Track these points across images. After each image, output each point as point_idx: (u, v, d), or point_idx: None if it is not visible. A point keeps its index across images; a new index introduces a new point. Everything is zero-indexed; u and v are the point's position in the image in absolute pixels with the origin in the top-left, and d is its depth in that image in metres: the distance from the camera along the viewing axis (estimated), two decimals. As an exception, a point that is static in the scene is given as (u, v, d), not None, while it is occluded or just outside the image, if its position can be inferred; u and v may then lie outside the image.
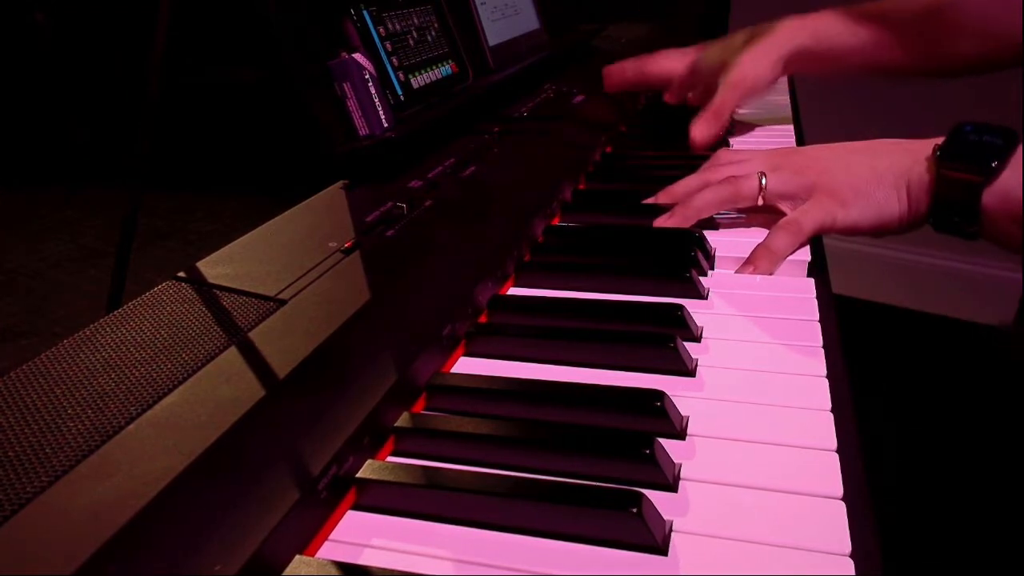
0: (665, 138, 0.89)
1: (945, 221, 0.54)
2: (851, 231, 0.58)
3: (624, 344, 0.45)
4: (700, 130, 0.80)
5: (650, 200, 0.65)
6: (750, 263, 0.56)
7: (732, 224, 0.63)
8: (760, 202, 0.60)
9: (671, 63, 0.91)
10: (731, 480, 0.35)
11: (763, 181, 0.59)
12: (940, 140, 0.55)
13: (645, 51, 0.95)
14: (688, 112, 0.84)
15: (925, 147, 0.56)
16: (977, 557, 0.63)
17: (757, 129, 0.94)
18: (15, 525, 0.27)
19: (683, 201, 0.62)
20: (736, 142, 0.89)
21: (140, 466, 0.30)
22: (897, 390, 0.82)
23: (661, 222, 0.62)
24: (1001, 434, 0.73)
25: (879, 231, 0.58)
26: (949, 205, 0.53)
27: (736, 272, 0.56)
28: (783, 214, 0.60)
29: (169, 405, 0.34)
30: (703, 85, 0.86)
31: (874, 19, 0.80)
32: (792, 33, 0.81)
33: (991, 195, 0.51)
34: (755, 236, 0.58)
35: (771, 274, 0.55)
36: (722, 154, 0.67)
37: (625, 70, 0.94)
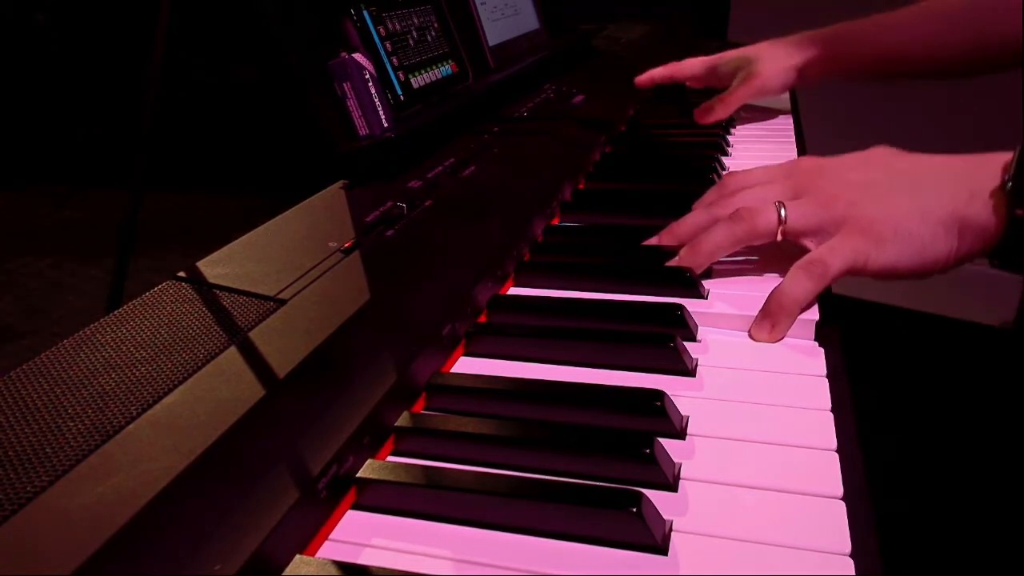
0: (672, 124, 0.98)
1: (1012, 261, 0.46)
2: (887, 274, 0.48)
3: (624, 344, 0.45)
4: (703, 114, 0.91)
5: (651, 241, 0.57)
6: (767, 318, 0.47)
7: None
8: (779, 238, 0.51)
9: (694, 68, 0.98)
10: (731, 480, 0.35)
11: (782, 213, 0.50)
12: (1001, 160, 0.46)
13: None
14: (694, 100, 0.93)
15: (984, 174, 0.46)
16: (977, 556, 0.63)
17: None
18: (15, 525, 0.27)
19: (690, 244, 0.54)
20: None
21: (140, 466, 0.30)
22: (897, 390, 0.82)
23: (672, 264, 0.54)
24: (1001, 433, 0.73)
25: (920, 273, 0.48)
26: (1021, 247, 0.45)
27: (751, 335, 0.47)
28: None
29: (169, 405, 0.34)
30: (721, 85, 0.93)
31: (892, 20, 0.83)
32: (808, 43, 0.87)
33: None
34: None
35: (787, 332, 0.47)
36: (729, 180, 0.58)
37: (654, 75, 1.01)
